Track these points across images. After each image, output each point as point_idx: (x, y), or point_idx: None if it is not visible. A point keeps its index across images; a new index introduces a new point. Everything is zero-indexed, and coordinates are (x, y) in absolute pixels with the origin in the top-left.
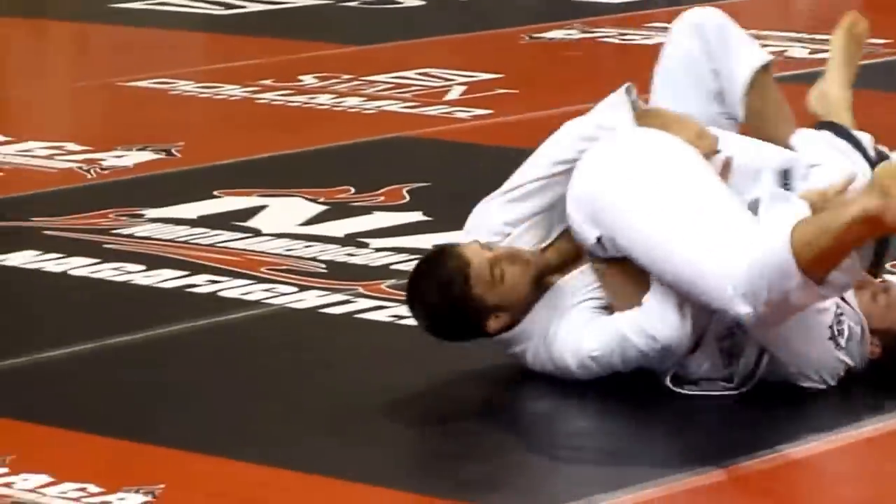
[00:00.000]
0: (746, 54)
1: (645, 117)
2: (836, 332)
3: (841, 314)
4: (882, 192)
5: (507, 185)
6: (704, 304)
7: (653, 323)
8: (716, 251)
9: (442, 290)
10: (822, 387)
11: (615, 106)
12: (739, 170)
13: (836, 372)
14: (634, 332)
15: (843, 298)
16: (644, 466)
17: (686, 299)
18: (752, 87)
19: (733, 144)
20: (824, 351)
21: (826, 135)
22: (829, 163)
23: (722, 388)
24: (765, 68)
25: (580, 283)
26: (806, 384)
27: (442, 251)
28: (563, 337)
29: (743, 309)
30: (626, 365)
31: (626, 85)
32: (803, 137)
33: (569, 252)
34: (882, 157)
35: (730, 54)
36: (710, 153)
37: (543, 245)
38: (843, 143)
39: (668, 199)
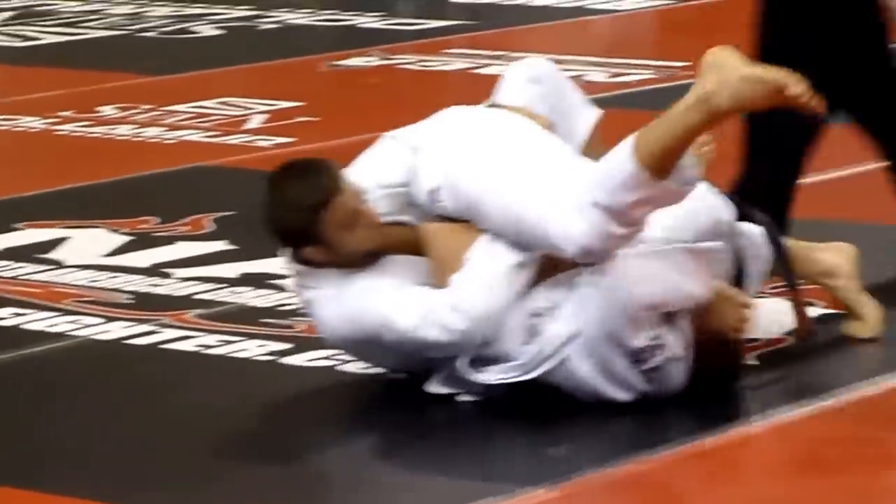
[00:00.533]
0: (583, 110)
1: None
2: (641, 358)
3: (657, 346)
4: (714, 70)
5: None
6: (549, 243)
7: (462, 299)
8: (562, 177)
9: (301, 193)
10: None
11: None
12: None
13: (632, 391)
14: (443, 306)
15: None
16: (476, 482)
17: (498, 277)
18: (586, 144)
19: None
20: (623, 367)
21: None
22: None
23: (512, 373)
24: (596, 123)
25: (402, 266)
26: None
27: (329, 167)
28: (361, 296)
29: (577, 228)
30: (424, 345)
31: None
32: None
33: (408, 239)
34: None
35: (567, 109)
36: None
37: (387, 219)
38: None
39: (507, 149)
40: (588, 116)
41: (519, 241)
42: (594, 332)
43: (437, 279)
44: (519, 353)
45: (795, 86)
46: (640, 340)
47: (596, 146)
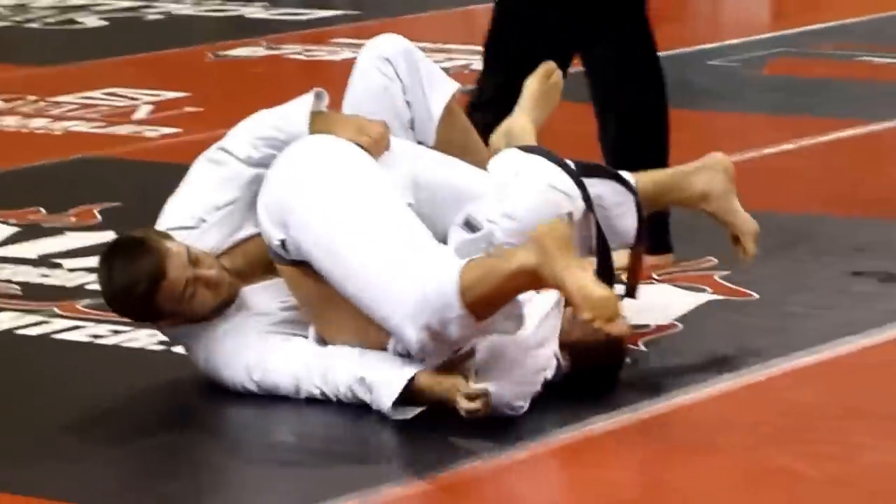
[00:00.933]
0: (438, 84)
1: (316, 121)
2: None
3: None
4: (540, 250)
5: (206, 157)
6: (379, 322)
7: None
8: (392, 276)
9: (124, 286)
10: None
11: (296, 108)
12: (439, 190)
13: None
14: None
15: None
16: (353, 476)
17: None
18: (443, 118)
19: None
20: (530, 386)
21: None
22: (529, 167)
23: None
24: (452, 96)
25: (262, 297)
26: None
27: (143, 246)
28: (236, 351)
29: (409, 334)
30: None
31: (316, 90)
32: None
33: (256, 257)
34: (587, 169)
35: (421, 84)
36: (378, 144)
37: (234, 238)
38: (538, 159)
39: (347, 212)
40: (444, 91)
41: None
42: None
43: (307, 316)
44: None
45: (606, 319)
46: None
47: (453, 118)
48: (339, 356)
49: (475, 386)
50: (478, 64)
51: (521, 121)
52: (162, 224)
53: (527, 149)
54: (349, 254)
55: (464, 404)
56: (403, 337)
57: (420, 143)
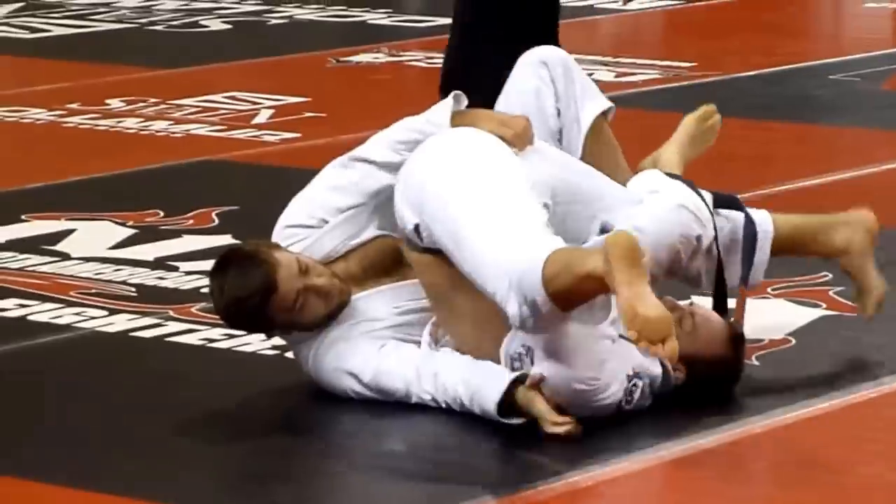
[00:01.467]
0: (590, 98)
1: (457, 117)
2: (624, 402)
3: (634, 382)
4: (607, 259)
5: (340, 161)
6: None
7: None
8: (501, 249)
9: (237, 298)
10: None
11: (436, 110)
12: (577, 198)
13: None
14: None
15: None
16: (461, 486)
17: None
18: (592, 132)
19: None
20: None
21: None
22: (667, 188)
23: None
24: (604, 114)
25: (376, 303)
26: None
27: (254, 259)
28: (345, 356)
29: (511, 308)
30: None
31: (454, 93)
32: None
33: (373, 262)
34: (723, 201)
35: (574, 96)
36: (521, 137)
37: (352, 243)
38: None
39: (475, 194)
40: (596, 105)
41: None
42: (559, 381)
43: (433, 305)
44: None
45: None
46: (618, 387)
47: (601, 136)
48: (450, 360)
49: (558, 418)
50: (599, 74)
51: (670, 152)
52: (282, 221)
53: (669, 174)
54: (468, 232)
55: (550, 429)
56: (506, 310)
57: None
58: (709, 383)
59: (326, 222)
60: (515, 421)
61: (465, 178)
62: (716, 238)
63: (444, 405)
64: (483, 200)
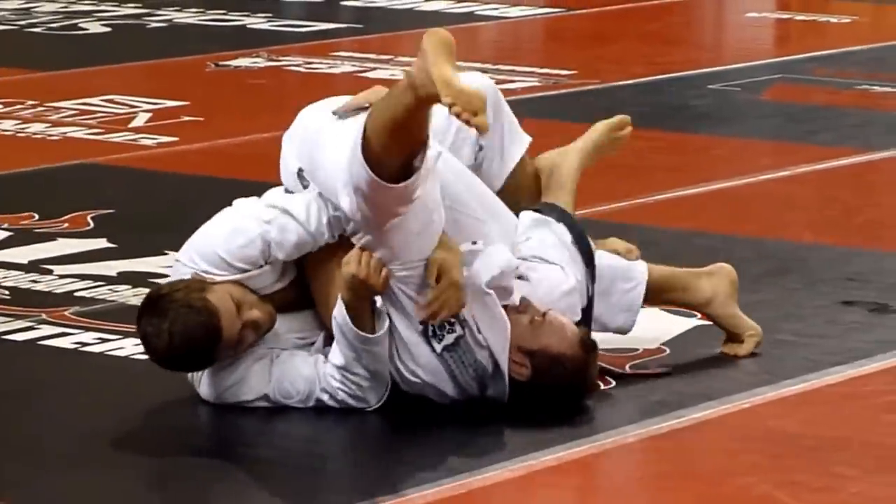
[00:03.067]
0: (517, 134)
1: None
2: (431, 332)
3: (458, 337)
4: (420, 56)
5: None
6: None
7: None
8: (336, 154)
9: (184, 347)
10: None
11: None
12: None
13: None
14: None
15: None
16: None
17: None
18: (516, 166)
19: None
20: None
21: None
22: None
23: None
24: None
25: (282, 326)
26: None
27: (196, 308)
28: (249, 371)
29: (343, 202)
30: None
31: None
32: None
33: (288, 300)
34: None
35: (501, 129)
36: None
37: (276, 287)
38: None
39: (344, 126)
40: (522, 142)
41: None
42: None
43: (322, 307)
44: None
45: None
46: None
47: (525, 171)
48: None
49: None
50: None
51: (570, 162)
52: (222, 250)
53: (547, 209)
54: (327, 155)
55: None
56: (342, 207)
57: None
58: (556, 389)
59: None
60: None
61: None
62: (592, 276)
63: (336, 399)
64: (346, 127)
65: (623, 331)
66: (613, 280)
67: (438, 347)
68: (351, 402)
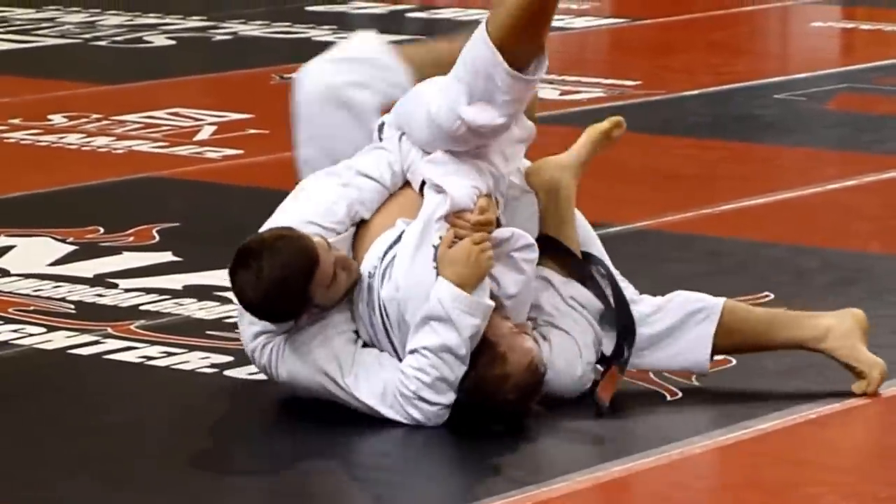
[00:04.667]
0: None
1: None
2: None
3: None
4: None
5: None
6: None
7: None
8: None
9: (283, 277)
10: None
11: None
12: None
13: None
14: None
15: None
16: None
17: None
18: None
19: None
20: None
21: None
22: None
23: None
24: None
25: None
26: None
27: (292, 237)
28: (320, 354)
29: (467, 113)
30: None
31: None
32: None
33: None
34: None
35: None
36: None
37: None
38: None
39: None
40: None
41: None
42: None
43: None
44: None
45: None
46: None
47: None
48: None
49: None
50: (544, 93)
51: (569, 186)
52: (310, 215)
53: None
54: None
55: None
56: (457, 117)
57: None
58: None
59: (336, 232)
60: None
61: None
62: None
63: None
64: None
65: (694, 369)
66: (683, 321)
67: None
68: (427, 395)
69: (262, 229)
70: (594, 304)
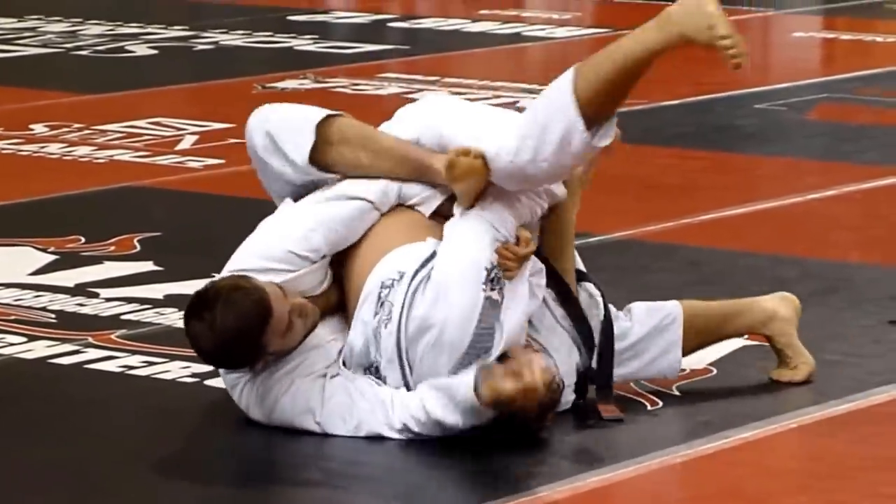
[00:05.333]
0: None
1: None
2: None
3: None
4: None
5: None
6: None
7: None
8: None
9: (236, 329)
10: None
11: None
12: None
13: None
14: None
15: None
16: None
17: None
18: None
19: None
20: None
21: None
22: None
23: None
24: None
25: (324, 337)
26: None
27: (245, 288)
28: (299, 394)
29: (521, 155)
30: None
31: None
32: None
33: (331, 304)
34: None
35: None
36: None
37: (320, 290)
38: None
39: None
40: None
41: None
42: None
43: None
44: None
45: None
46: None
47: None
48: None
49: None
50: (526, 102)
51: (570, 204)
52: (259, 251)
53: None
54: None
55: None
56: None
57: None
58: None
59: (314, 261)
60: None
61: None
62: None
63: (399, 430)
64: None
65: (668, 373)
66: (652, 330)
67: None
68: (406, 425)
69: (226, 268)
70: (581, 326)
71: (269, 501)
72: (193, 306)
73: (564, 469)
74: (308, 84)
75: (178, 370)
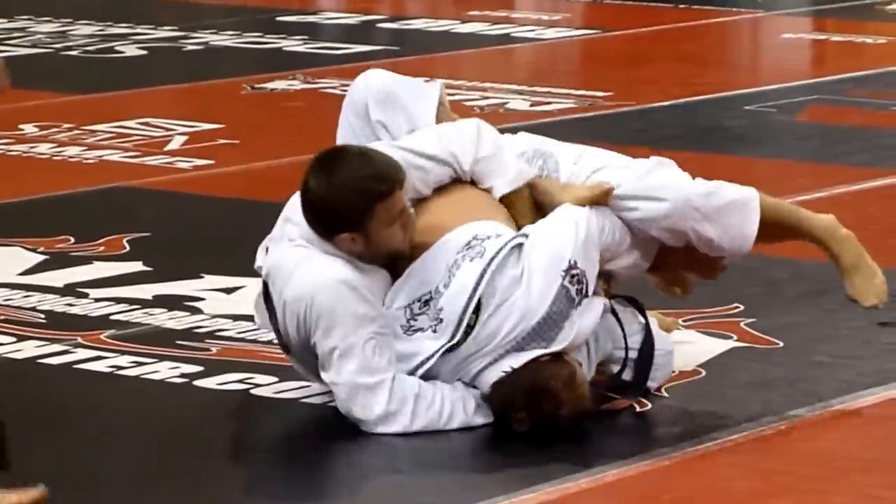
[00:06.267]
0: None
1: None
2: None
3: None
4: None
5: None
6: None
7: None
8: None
9: (367, 178)
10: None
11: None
12: None
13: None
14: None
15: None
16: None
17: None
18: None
19: None
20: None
21: None
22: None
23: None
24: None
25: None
26: None
27: (385, 155)
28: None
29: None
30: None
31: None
32: None
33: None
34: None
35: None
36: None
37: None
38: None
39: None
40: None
41: None
42: None
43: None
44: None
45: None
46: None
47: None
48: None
49: None
50: (515, 103)
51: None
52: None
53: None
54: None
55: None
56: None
57: None
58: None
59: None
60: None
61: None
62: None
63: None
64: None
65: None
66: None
67: None
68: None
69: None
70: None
71: (256, 500)
72: (323, 159)
73: (551, 470)
74: (297, 85)
75: (167, 371)
